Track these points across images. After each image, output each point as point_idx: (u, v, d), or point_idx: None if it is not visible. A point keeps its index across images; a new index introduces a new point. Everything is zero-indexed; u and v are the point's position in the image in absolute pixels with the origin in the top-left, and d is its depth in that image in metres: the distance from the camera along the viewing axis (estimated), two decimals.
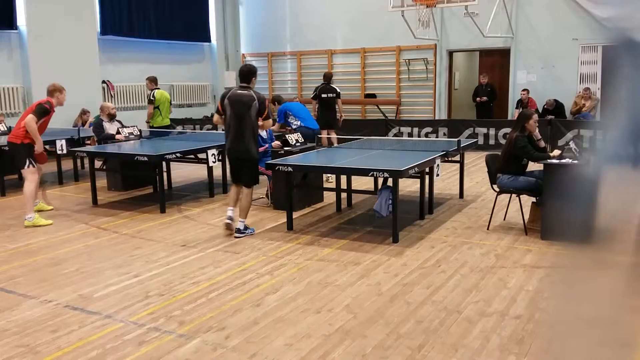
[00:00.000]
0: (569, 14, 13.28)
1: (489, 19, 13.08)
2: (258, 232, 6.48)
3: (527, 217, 6.39)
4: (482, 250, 5.66)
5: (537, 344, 3.68)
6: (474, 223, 6.72)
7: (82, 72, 13.29)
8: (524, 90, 13.49)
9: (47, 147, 9.23)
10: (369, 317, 4.15)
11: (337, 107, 11.19)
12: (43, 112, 6.93)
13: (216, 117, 6.44)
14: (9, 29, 12.47)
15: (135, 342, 3.83)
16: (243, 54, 18.17)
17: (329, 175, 8.33)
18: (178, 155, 7.86)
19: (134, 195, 8.78)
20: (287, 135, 7.94)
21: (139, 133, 9.67)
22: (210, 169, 8.36)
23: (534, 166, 6.32)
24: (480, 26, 13.18)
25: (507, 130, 11.46)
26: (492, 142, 12.51)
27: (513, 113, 13.83)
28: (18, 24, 12.58)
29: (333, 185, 7.58)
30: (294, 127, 9.01)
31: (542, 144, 6.40)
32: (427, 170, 6.90)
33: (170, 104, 10.97)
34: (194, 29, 16.83)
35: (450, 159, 7.66)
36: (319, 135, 10.14)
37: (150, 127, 10.54)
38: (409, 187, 8.65)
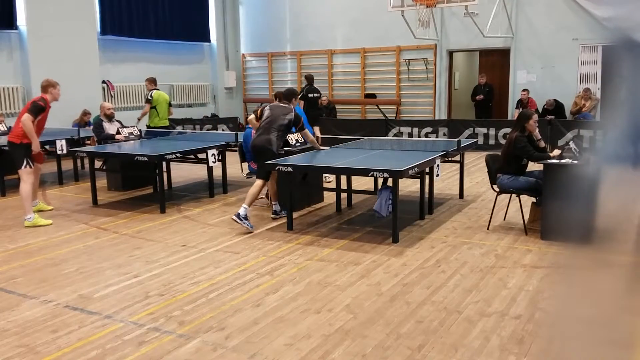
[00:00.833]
0: (569, 14, 13.28)
1: (489, 19, 13.08)
2: (258, 232, 6.48)
3: (527, 217, 6.39)
4: (482, 250, 5.66)
5: (537, 344, 3.67)
6: (474, 223, 6.72)
7: (82, 72, 13.29)
8: (524, 90, 13.49)
9: (47, 147, 9.25)
10: (369, 317, 4.14)
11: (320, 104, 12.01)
12: (38, 109, 6.91)
13: (252, 117, 7.29)
14: (9, 29, 12.48)
15: (135, 342, 3.83)
16: (243, 54, 18.17)
17: (326, 175, 8.33)
18: (178, 155, 7.86)
19: (134, 195, 8.78)
20: (287, 136, 7.92)
21: (139, 133, 9.67)
22: (210, 169, 8.36)
23: (534, 166, 6.33)
24: (480, 26, 13.18)
25: (507, 130, 11.46)
26: (492, 142, 12.51)
27: (513, 113, 13.82)
28: (18, 24, 12.59)
29: (333, 185, 7.58)
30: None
31: (542, 144, 6.40)
32: (427, 170, 6.90)
33: (170, 105, 10.95)
34: (194, 29, 16.83)
35: (450, 159, 7.66)
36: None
37: (147, 126, 10.53)
38: (409, 187, 8.66)
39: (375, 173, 5.93)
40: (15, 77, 12.67)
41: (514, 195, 6.34)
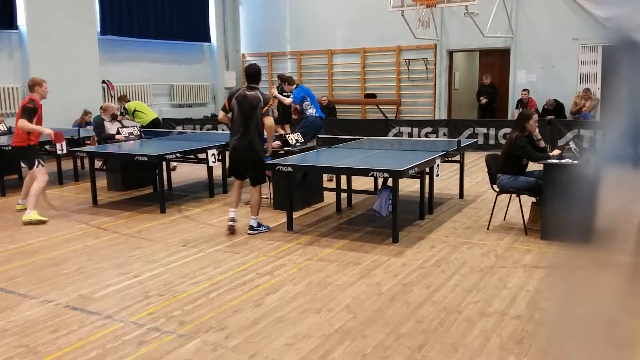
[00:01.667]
0: (569, 14, 13.28)
1: (489, 19, 13.08)
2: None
3: (527, 217, 6.39)
4: (482, 250, 5.66)
5: (537, 344, 3.67)
6: (474, 223, 6.72)
7: (82, 72, 13.30)
8: (524, 90, 13.50)
9: (46, 147, 9.27)
10: (369, 317, 4.14)
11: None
12: (30, 111, 6.97)
13: (222, 114, 6.43)
14: (9, 29, 12.49)
15: (135, 343, 3.83)
16: (243, 54, 18.18)
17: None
18: (178, 155, 7.87)
19: (134, 195, 8.78)
20: (287, 136, 7.95)
21: (139, 133, 9.68)
22: (210, 169, 8.36)
23: (534, 166, 6.32)
24: (480, 26, 13.18)
25: (507, 130, 11.46)
26: (492, 142, 12.51)
27: (513, 113, 13.83)
28: (18, 24, 12.59)
29: (333, 185, 7.58)
30: (308, 113, 9.19)
31: (542, 144, 6.40)
32: (427, 170, 6.90)
33: (145, 102, 11.09)
34: (193, 29, 16.84)
35: (450, 159, 7.66)
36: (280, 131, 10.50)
37: (141, 127, 10.56)
38: (409, 187, 8.65)
39: (375, 173, 5.93)
40: (15, 77, 12.67)
41: (514, 195, 6.34)
